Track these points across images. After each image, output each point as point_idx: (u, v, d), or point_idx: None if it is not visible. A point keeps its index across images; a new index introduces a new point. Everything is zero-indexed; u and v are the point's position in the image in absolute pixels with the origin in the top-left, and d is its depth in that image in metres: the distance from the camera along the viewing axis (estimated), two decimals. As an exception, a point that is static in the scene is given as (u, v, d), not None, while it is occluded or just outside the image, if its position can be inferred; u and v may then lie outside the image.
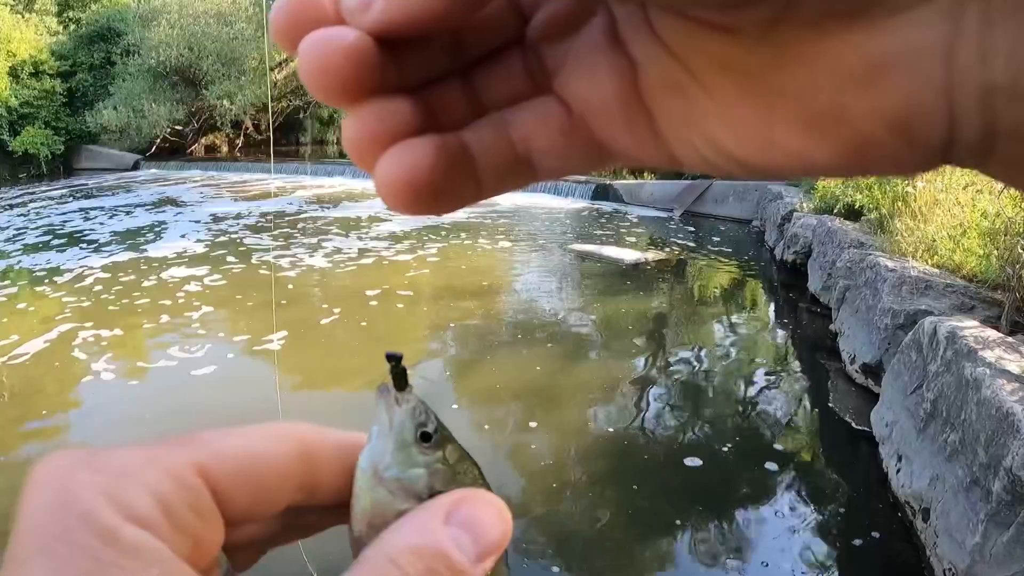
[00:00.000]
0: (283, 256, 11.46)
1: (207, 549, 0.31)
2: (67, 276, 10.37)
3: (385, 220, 14.79)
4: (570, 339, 7.88)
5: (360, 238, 12.97)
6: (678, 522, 4.42)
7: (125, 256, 11.59)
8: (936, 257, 7.07)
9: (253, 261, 11.16)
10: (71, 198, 18.84)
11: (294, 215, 15.79)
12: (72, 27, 28.44)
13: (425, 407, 0.36)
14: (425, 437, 0.35)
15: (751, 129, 0.26)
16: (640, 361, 7.22)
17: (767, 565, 4.04)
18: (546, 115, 0.30)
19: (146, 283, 9.85)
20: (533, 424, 5.76)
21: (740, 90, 0.25)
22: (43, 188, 21.13)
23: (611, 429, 5.69)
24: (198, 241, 12.72)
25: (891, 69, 0.22)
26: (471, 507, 0.33)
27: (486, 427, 5.74)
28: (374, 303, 8.78)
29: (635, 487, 4.73)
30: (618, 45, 0.27)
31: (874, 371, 6.00)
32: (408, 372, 0.36)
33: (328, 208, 16.78)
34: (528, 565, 3.97)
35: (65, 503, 0.27)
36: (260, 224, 14.42)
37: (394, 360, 0.36)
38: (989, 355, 4.03)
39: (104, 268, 10.72)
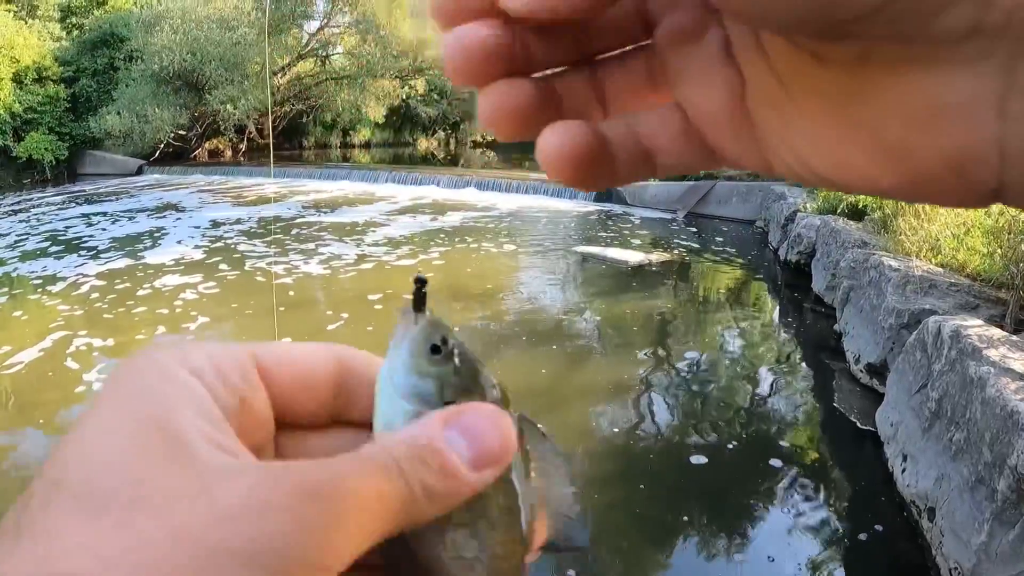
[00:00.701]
0: (281, 262, 11.45)
1: (255, 415, 0.36)
2: (63, 284, 10.25)
3: (385, 225, 14.82)
4: (575, 341, 7.89)
5: (360, 243, 12.97)
6: (684, 520, 4.43)
7: (123, 263, 11.44)
8: (940, 256, 7.06)
9: (247, 267, 11.07)
10: (73, 203, 18.78)
11: (290, 220, 15.77)
12: (75, 33, 28.49)
13: (438, 324, 0.38)
14: (435, 349, 0.37)
15: (831, 149, 0.29)
16: (645, 362, 7.22)
17: (773, 560, 4.05)
18: (668, 118, 0.34)
19: (142, 291, 9.71)
20: (540, 425, 5.74)
21: (826, 115, 0.29)
22: (46, 194, 21.09)
23: (617, 429, 5.69)
24: (196, 247, 12.62)
25: (950, 115, 0.25)
26: (472, 416, 0.35)
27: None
28: (378, 307, 8.78)
29: (641, 486, 4.74)
30: (731, 60, 0.31)
31: (878, 371, 6.00)
32: (427, 296, 0.38)
33: (327, 212, 16.79)
34: (536, 566, 3.96)
35: (145, 359, 0.34)
36: (256, 230, 14.37)
37: (419, 283, 0.38)
38: (993, 354, 4.02)
39: (100, 275, 10.59)
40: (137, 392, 0.31)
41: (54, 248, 12.90)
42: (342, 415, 0.40)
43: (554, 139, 0.32)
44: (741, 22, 0.30)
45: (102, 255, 12.12)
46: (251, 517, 0.28)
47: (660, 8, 0.33)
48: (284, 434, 0.38)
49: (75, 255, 12.23)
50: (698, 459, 5.09)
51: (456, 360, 0.38)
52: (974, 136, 0.25)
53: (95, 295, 9.58)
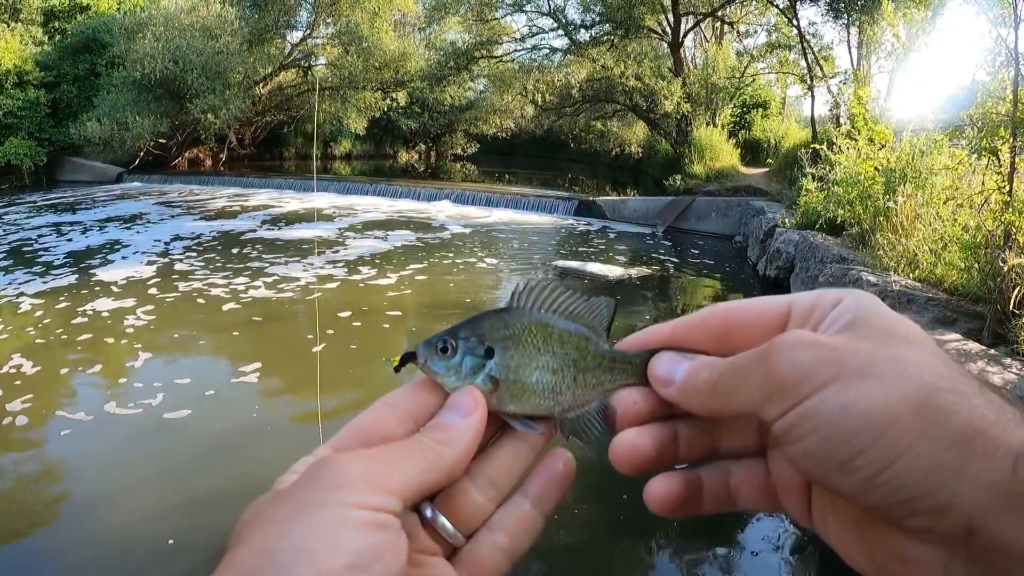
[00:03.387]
0: (246, 280, 11.32)
1: None
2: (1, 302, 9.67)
3: (365, 238, 14.77)
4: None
5: (335, 258, 12.91)
6: (671, 528, 4.42)
7: (71, 279, 10.78)
8: (918, 271, 7.11)
9: (202, 285, 10.47)
10: (45, 211, 18.46)
11: (253, 233, 15.64)
12: (57, 38, 28.28)
13: (428, 344, 0.58)
14: (443, 351, 0.58)
15: (846, 541, 0.52)
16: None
17: (756, 555, 4.06)
18: (755, 474, 0.57)
19: (84, 315, 8.96)
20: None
21: (846, 524, 0.51)
22: (19, 199, 20.82)
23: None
24: (149, 263, 11.91)
25: (912, 562, 0.45)
26: (452, 397, 0.57)
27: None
28: (357, 323, 8.68)
29: (624, 496, 4.72)
30: None
31: (857, 384, 6.01)
32: (407, 351, 0.59)
33: (297, 226, 16.70)
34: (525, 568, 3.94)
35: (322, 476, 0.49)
36: (216, 247, 14.13)
37: (401, 366, 0.61)
38: (972, 368, 4.04)
39: (40, 295, 9.91)
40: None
41: (4, 263, 12.21)
42: None
43: (657, 487, 0.57)
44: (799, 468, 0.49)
45: (53, 271, 11.38)
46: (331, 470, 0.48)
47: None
48: None
49: (20, 271, 11.44)
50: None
51: (459, 342, 0.59)
52: None
53: (39, 313, 9.07)
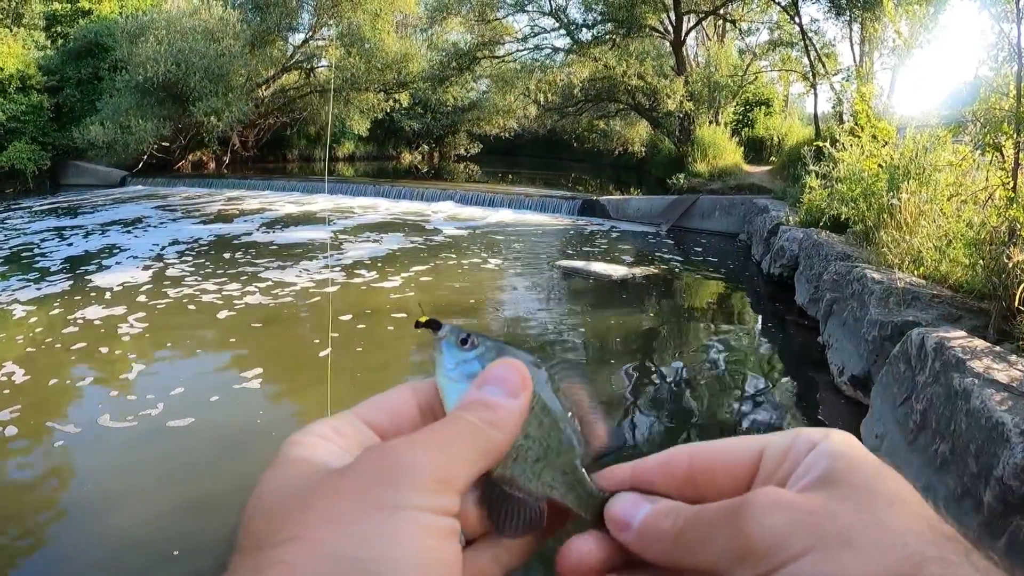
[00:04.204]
0: (254, 282, 11.33)
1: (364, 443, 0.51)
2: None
3: (369, 240, 14.76)
4: (560, 356, 7.81)
5: (339, 259, 12.90)
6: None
7: (65, 285, 10.66)
8: (922, 268, 7.08)
9: (205, 289, 10.54)
10: (47, 216, 18.45)
11: (255, 236, 15.66)
12: (60, 42, 28.33)
13: (456, 327, 0.54)
14: (464, 343, 0.53)
15: None
16: (629, 376, 7.20)
17: None
18: None
19: (90, 318, 8.92)
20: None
21: None
22: (22, 204, 20.81)
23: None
24: (145, 268, 11.76)
25: None
26: (493, 370, 0.52)
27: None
28: (361, 326, 8.67)
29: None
30: None
31: (863, 383, 6.00)
32: (435, 320, 0.55)
33: (301, 229, 16.69)
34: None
35: (285, 443, 0.48)
36: (218, 249, 14.19)
37: (426, 325, 0.55)
38: (977, 365, 4.02)
39: (35, 301, 9.83)
40: (286, 457, 0.47)
41: (7, 265, 12.24)
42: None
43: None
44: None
45: (50, 276, 11.30)
46: (383, 465, 0.44)
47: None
48: None
49: (16, 277, 11.35)
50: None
51: (481, 343, 0.53)
52: None
53: (34, 319, 8.98)
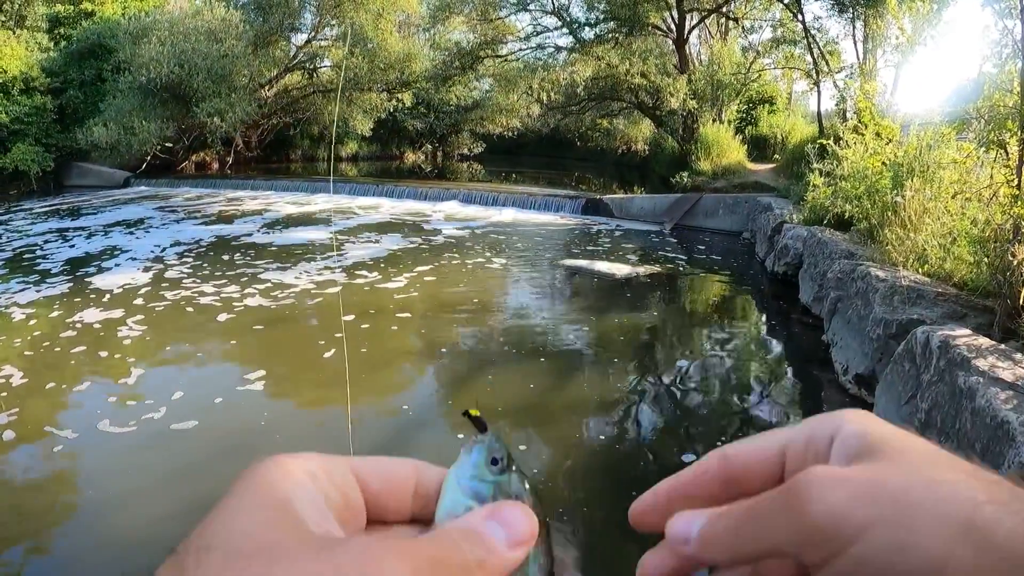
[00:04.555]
0: (255, 282, 11.33)
1: (353, 510, 0.48)
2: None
3: (373, 239, 14.77)
4: (563, 355, 7.85)
5: (341, 259, 12.91)
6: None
7: (65, 287, 10.63)
8: (927, 266, 7.07)
9: (199, 293, 10.55)
10: (50, 217, 18.43)
11: (259, 237, 15.66)
12: (63, 44, 28.36)
13: (499, 443, 0.51)
14: (494, 462, 0.50)
15: None
16: (633, 375, 7.19)
17: None
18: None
19: (80, 322, 8.83)
20: (528, 439, 5.73)
21: None
22: (26, 205, 20.83)
23: (605, 443, 5.65)
24: (146, 270, 11.71)
25: None
26: (508, 510, 0.48)
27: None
28: (365, 326, 8.67)
29: (634, 492, 4.70)
30: None
31: (867, 381, 5.99)
32: (483, 421, 0.52)
33: (303, 229, 16.69)
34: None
35: (272, 463, 0.45)
36: (222, 250, 14.20)
37: (468, 417, 0.53)
38: (982, 363, 4.01)
39: (35, 303, 9.81)
40: (266, 485, 0.43)
41: (11, 266, 12.25)
42: (420, 514, 0.51)
43: None
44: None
45: (49, 279, 11.26)
46: (365, 568, 0.40)
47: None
48: (372, 528, 0.50)
49: (17, 278, 11.35)
50: (686, 470, 5.05)
51: (508, 474, 0.50)
52: None
53: (33, 322, 8.93)
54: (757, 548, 0.47)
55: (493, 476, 0.50)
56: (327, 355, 7.52)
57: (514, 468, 0.51)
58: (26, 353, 7.78)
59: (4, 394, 6.62)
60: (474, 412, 0.53)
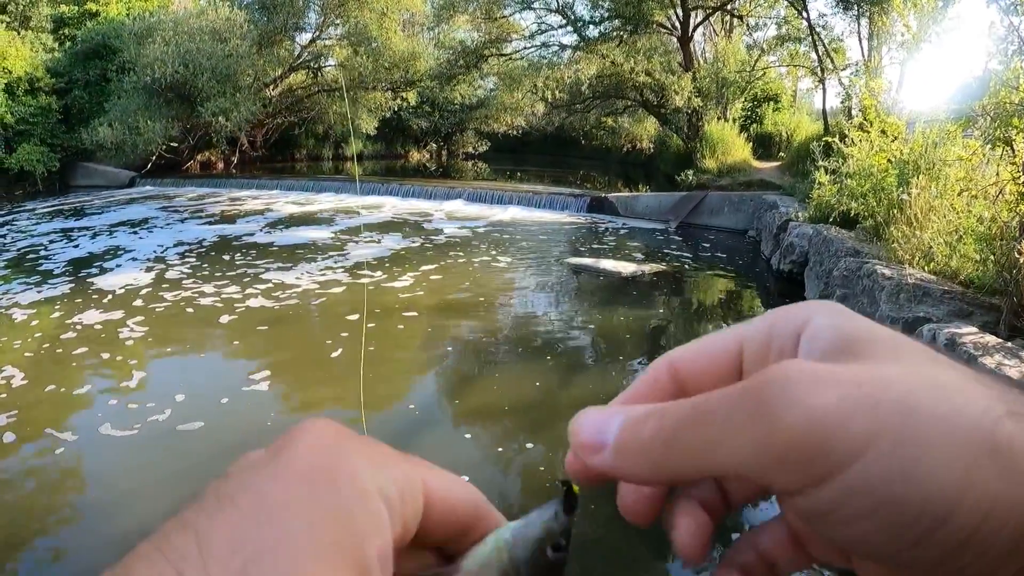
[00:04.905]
0: (258, 281, 11.34)
1: (405, 536, 0.38)
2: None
3: (378, 238, 14.78)
4: (569, 353, 7.85)
5: (346, 259, 12.92)
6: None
7: (67, 288, 10.55)
8: (933, 264, 7.06)
9: (202, 293, 10.67)
10: (55, 217, 18.42)
11: (263, 236, 15.68)
12: (68, 44, 28.38)
13: (568, 531, 0.42)
14: (556, 547, 0.41)
15: None
16: (639, 373, 7.18)
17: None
18: (782, 536, 0.42)
19: (81, 323, 8.74)
20: (534, 437, 5.73)
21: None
22: (31, 206, 20.84)
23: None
24: (148, 270, 11.65)
25: None
26: None
27: (486, 443, 5.72)
28: (371, 325, 8.67)
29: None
30: None
31: (873, 379, 5.97)
32: (575, 499, 0.43)
33: (305, 228, 16.69)
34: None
35: (337, 464, 0.35)
36: (214, 253, 14.22)
37: (565, 487, 0.43)
38: (989, 361, 4.01)
39: (35, 304, 9.75)
40: (333, 511, 0.33)
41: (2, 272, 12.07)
42: (454, 545, 0.43)
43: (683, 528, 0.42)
44: (852, 553, 0.37)
45: (51, 280, 11.18)
46: None
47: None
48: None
49: (21, 279, 11.32)
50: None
51: (556, 565, 0.42)
52: None
53: (35, 323, 8.93)
54: (700, 466, 0.36)
55: (544, 560, 0.42)
56: (335, 354, 7.53)
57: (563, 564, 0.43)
58: (27, 354, 7.79)
59: (3, 395, 6.63)
60: (576, 489, 0.43)
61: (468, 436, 5.88)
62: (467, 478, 0.43)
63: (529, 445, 5.58)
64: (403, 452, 0.39)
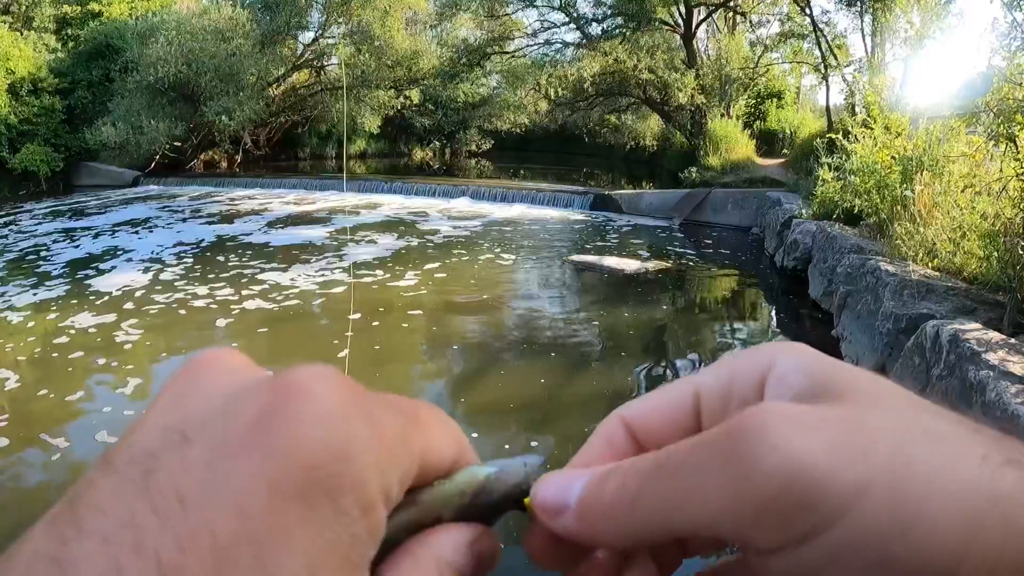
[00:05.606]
0: (257, 280, 11.35)
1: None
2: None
3: (382, 237, 14.77)
4: (573, 351, 7.86)
5: (349, 257, 12.92)
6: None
7: (63, 290, 10.50)
8: (936, 260, 7.06)
9: (204, 293, 10.62)
10: (58, 217, 18.38)
11: (263, 235, 15.69)
12: (71, 44, 28.42)
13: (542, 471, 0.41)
14: (523, 494, 0.40)
15: None
16: (643, 369, 7.19)
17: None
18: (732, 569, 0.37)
19: (79, 325, 8.69)
20: (538, 434, 5.74)
21: None
22: (34, 206, 20.80)
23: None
24: (146, 271, 11.53)
25: None
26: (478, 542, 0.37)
27: (491, 441, 5.72)
28: (376, 323, 8.68)
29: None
30: None
31: (877, 376, 5.97)
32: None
33: (306, 228, 16.70)
34: None
35: (342, 472, 0.29)
36: (213, 253, 14.22)
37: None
38: (992, 358, 4.01)
39: (31, 306, 9.69)
40: (333, 544, 0.28)
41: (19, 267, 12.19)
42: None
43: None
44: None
45: (48, 281, 11.10)
46: None
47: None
48: None
49: (18, 281, 11.19)
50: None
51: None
52: None
53: (31, 324, 8.90)
54: (668, 525, 0.32)
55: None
56: (341, 354, 7.54)
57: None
58: (20, 358, 7.77)
59: (42, 390, 6.67)
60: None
61: (474, 435, 5.88)
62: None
63: (534, 443, 5.59)
64: (399, 403, 0.36)
